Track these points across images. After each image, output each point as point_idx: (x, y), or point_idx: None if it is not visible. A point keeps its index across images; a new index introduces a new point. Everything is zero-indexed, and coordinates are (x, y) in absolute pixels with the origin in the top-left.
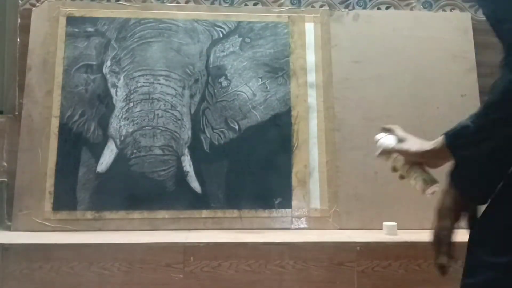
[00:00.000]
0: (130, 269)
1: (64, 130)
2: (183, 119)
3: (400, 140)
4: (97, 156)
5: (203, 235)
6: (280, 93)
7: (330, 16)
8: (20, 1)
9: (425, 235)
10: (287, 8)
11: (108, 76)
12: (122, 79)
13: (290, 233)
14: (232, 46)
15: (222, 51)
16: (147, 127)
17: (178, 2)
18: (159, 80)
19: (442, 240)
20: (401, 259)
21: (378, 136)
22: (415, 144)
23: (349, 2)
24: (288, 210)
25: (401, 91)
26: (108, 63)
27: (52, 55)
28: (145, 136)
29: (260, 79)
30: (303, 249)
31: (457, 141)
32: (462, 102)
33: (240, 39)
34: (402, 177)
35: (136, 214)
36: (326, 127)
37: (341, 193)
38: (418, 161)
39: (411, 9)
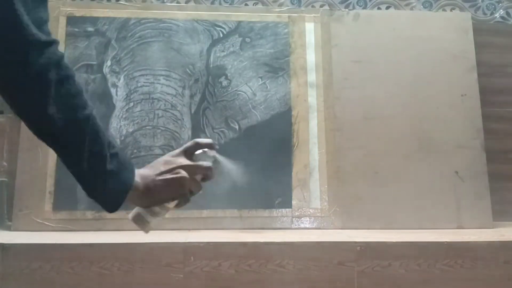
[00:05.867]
0: (130, 269)
1: None
2: (183, 119)
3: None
4: None
5: (203, 235)
6: (280, 93)
7: (330, 16)
8: None
9: (425, 235)
10: (287, 8)
11: (108, 76)
12: (122, 79)
13: (290, 233)
14: (232, 46)
15: (222, 51)
16: (147, 127)
17: (178, 2)
18: (159, 80)
19: None
20: (401, 259)
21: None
22: None
23: (349, 2)
24: (288, 210)
25: (401, 91)
26: (108, 63)
27: None
28: (145, 136)
29: (260, 79)
30: (303, 249)
31: None
32: (462, 102)
33: (240, 39)
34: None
35: None
36: (326, 127)
37: (341, 193)
38: None
39: (411, 9)
